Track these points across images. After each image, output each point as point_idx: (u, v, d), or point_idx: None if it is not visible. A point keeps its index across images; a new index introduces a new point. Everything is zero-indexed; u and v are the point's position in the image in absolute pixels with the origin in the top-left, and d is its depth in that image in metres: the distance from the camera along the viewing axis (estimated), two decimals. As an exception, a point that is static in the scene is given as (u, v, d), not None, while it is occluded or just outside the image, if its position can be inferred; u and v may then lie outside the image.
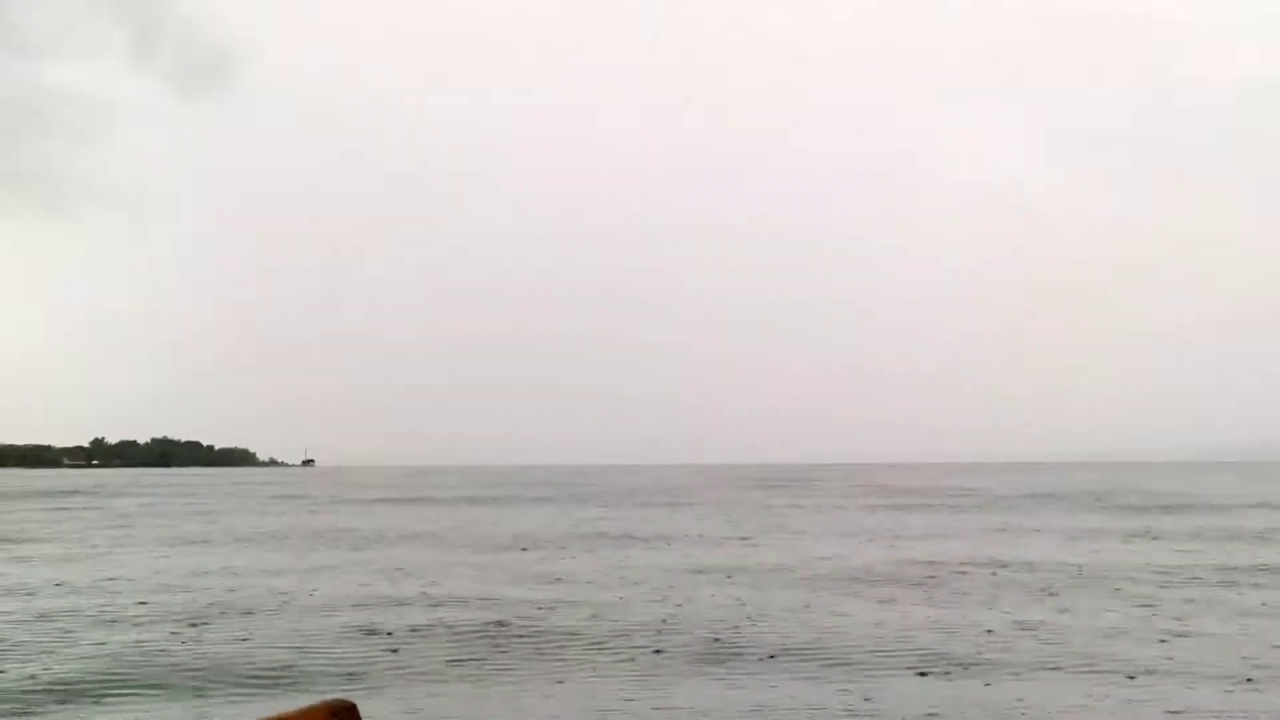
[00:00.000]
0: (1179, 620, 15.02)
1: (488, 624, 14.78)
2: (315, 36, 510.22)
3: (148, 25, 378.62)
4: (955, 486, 72.49)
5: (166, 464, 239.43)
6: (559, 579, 20.48)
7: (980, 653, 12.64)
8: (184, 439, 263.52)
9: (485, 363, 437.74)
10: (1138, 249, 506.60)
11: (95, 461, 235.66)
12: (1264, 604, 16.69)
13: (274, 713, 5.47)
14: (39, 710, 10.39)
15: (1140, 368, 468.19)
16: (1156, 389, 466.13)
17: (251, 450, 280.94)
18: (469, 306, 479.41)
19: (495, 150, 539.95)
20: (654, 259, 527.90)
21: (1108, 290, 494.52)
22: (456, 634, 14.11)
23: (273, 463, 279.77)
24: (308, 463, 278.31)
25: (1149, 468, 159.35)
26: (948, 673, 11.59)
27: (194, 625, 15.08)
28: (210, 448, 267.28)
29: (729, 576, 20.57)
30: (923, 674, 11.57)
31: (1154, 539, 29.56)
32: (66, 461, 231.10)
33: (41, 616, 16.05)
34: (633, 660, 12.43)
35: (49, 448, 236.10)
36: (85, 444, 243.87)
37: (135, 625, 15.15)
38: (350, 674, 11.73)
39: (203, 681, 11.45)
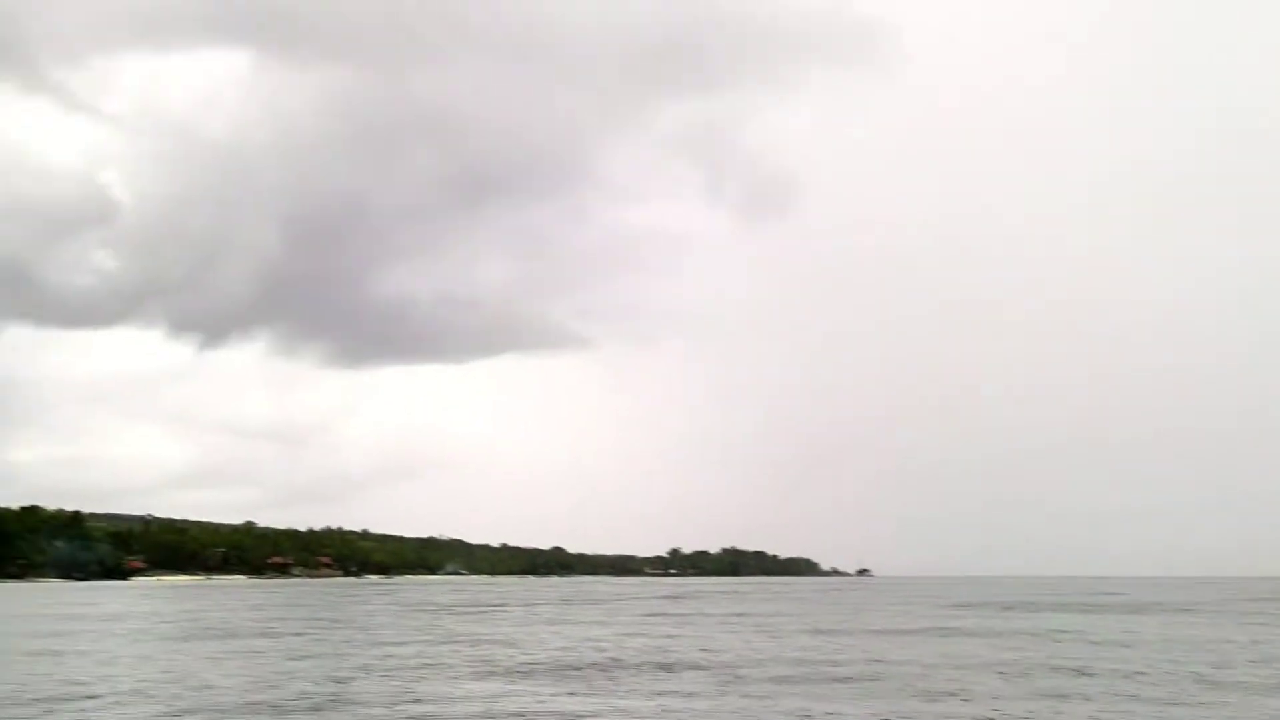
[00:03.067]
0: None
1: None
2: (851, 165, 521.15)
3: (718, 162, 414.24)
4: None
5: (735, 573, 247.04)
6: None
7: None
8: (751, 549, 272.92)
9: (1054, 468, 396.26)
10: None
11: (672, 570, 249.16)
12: None
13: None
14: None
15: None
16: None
17: (814, 560, 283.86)
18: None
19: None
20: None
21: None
22: None
23: (834, 572, 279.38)
24: (863, 572, 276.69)
25: None
26: None
27: None
28: (775, 557, 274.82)
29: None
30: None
31: None
32: (647, 570, 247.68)
33: None
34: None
35: (633, 557, 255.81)
36: (664, 554, 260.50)
37: None
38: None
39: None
